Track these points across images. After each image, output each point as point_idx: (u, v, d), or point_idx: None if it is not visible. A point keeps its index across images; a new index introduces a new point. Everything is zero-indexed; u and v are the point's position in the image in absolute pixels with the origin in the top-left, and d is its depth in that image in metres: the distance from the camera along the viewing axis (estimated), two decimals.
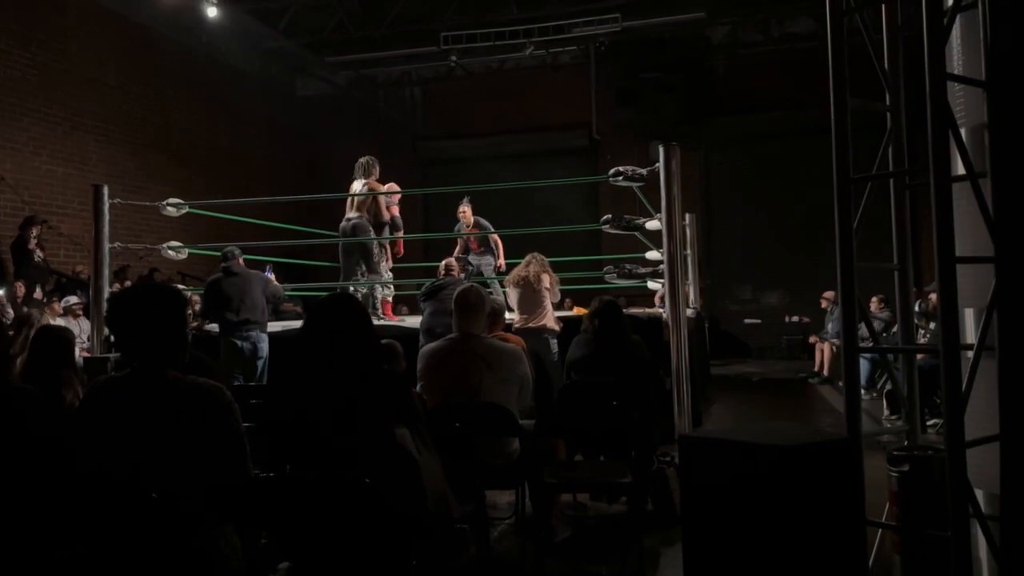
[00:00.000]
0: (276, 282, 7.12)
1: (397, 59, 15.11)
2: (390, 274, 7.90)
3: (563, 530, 4.27)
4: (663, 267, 5.67)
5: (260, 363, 6.44)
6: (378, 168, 7.64)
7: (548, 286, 6.28)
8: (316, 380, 2.41)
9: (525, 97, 15.76)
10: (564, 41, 13.65)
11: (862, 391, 7.76)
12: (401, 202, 8.24)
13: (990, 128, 2.68)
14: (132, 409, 2.19)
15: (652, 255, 6.86)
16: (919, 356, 4.07)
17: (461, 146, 16.21)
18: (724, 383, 10.94)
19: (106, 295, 6.43)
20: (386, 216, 7.65)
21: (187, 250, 7.69)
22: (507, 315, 5.98)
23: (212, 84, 13.30)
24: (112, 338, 2.50)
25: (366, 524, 2.09)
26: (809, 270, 12.89)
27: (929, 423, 6.37)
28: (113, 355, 5.35)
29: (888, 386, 7.36)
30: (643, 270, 6.86)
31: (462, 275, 7.09)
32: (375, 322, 4.11)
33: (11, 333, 5.35)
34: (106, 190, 6.74)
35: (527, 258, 6.43)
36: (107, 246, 6.62)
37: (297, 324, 6.64)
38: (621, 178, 6.25)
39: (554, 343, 6.20)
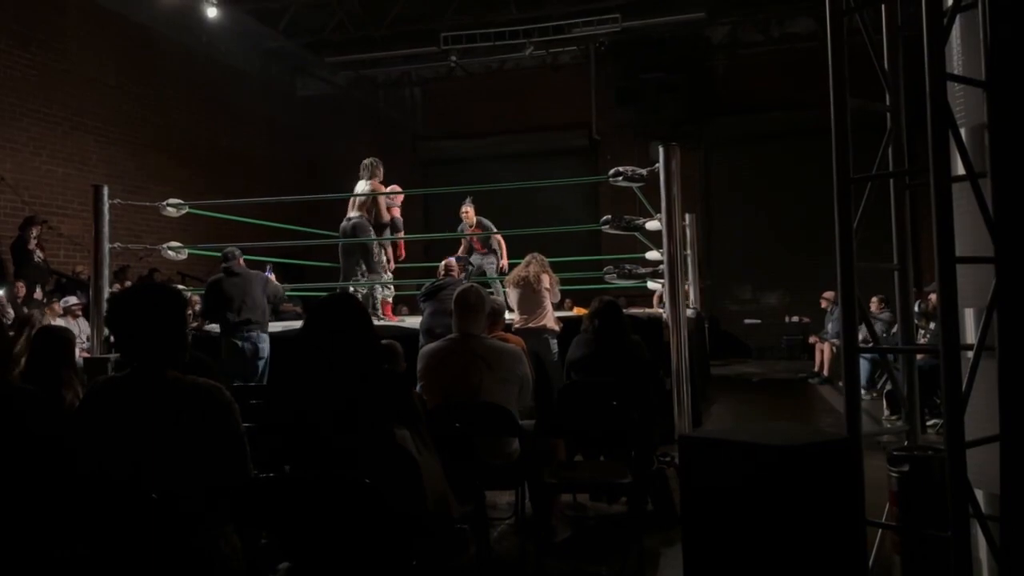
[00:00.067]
0: (276, 282, 7.12)
1: (397, 59, 15.11)
2: (390, 275, 7.90)
3: (563, 530, 4.27)
4: (663, 267, 5.67)
5: (261, 363, 6.44)
6: (382, 169, 7.65)
7: (548, 286, 6.28)
8: (316, 380, 2.41)
9: (525, 97, 15.76)
10: (564, 41, 13.65)
11: (862, 391, 7.76)
12: (401, 202, 8.23)
13: (990, 128, 2.68)
14: (132, 409, 2.19)
15: (652, 255, 6.86)
16: (919, 356, 4.07)
17: (461, 146, 16.22)
18: (724, 383, 10.94)
19: (106, 295, 6.43)
20: (386, 217, 7.65)
21: (187, 250, 7.69)
22: (507, 315, 5.98)
23: (212, 84, 13.30)
24: (112, 338, 2.50)
25: (366, 524, 2.09)
26: (809, 270, 12.89)
27: (929, 423, 6.37)
28: (113, 355, 5.35)
29: (888, 386, 7.37)
30: (643, 270, 6.86)
31: (462, 275, 7.09)
32: (375, 322, 4.11)
33: (12, 334, 5.35)
34: (106, 190, 6.75)
35: (527, 258, 6.43)
36: (107, 246, 6.63)
37: (297, 324, 6.64)
38: (621, 178, 6.25)
39: (554, 343, 6.20)
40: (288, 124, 15.13)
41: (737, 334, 15.06)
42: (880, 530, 3.12)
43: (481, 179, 10.73)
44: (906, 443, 3.34)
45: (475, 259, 8.72)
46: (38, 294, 8.61)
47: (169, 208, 7.41)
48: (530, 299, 6.24)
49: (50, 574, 2.16)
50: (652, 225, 6.23)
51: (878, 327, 7.45)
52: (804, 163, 12.99)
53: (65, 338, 3.87)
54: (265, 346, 6.47)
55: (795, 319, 14.27)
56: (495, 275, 8.42)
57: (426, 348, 3.92)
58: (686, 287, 7.02)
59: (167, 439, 2.14)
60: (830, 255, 3.05)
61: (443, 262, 7.03)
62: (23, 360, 3.86)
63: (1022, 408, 2.53)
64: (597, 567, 3.95)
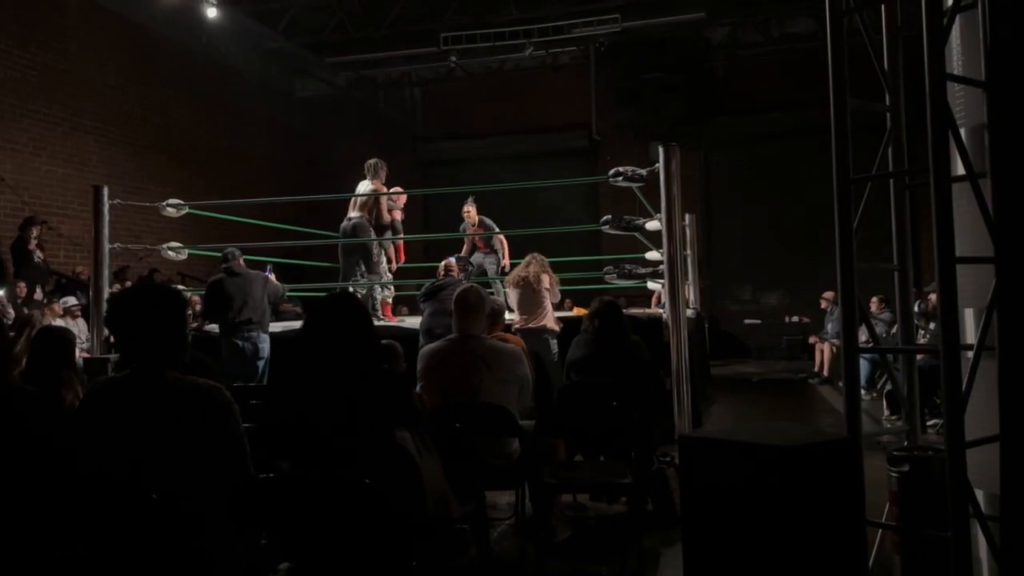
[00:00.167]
0: (276, 281, 7.12)
1: (397, 60, 15.11)
2: (389, 275, 7.90)
3: (563, 530, 4.27)
4: (663, 267, 5.67)
5: (261, 363, 6.44)
6: (386, 171, 7.65)
7: (548, 286, 6.28)
8: (316, 380, 2.41)
9: (525, 98, 15.77)
10: (564, 41, 13.64)
11: (862, 391, 7.76)
12: (404, 204, 8.22)
13: (990, 128, 2.68)
14: (132, 409, 2.19)
15: (652, 255, 6.86)
16: (919, 356, 4.07)
17: (461, 147, 16.22)
18: (724, 383, 10.94)
19: (106, 296, 6.43)
20: (387, 219, 7.65)
21: (187, 251, 7.69)
22: (507, 315, 5.98)
23: (212, 85, 13.29)
24: (112, 339, 2.50)
25: (366, 524, 2.09)
26: (809, 270, 12.89)
27: (929, 423, 6.37)
28: (113, 356, 5.35)
29: (888, 386, 7.36)
30: (643, 270, 6.86)
31: (462, 275, 7.09)
32: (375, 323, 4.11)
33: (12, 334, 5.34)
34: (106, 191, 6.75)
35: (527, 258, 6.43)
36: (107, 247, 6.63)
37: (297, 324, 6.64)
38: (621, 178, 6.25)
39: (554, 343, 6.20)
40: (288, 124, 15.13)
41: (737, 334, 15.06)
42: (880, 530, 3.12)
43: (481, 179, 10.73)
44: (906, 443, 3.34)
45: (476, 258, 8.71)
46: (38, 294, 8.61)
47: (169, 208, 7.41)
48: (530, 299, 6.25)
49: (50, 574, 2.16)
50: (652, 225, 6.23)
51: (878, 327, 7.45)
52: (804, 163, 13.00)
53: (65, 338, 3.87)
54: (265, 346, 6.47)
55: (795, 319, 14.27)
56: (496, 274, 8.42)
57: (426, 348, 3.91)
58: (686, 287, 7.02)
59: (167, 439, 2.14)
60: (830, 255, 3.05)
61: (443, 262, 7.03)
62: (23, 360, 3.87)
63: (1022, 408, 2.53)
64: (597, 567, 3.95)
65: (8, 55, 9.90)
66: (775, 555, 2.59)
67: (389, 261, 7.93)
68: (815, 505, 2.63)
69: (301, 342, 2.49)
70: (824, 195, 3.31)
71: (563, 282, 6.68)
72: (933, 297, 7.15)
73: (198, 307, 7.95)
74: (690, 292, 9.02)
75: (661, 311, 6.64)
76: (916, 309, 6.88)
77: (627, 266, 6.89)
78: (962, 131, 2.79)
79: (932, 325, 7.62)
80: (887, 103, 3.42)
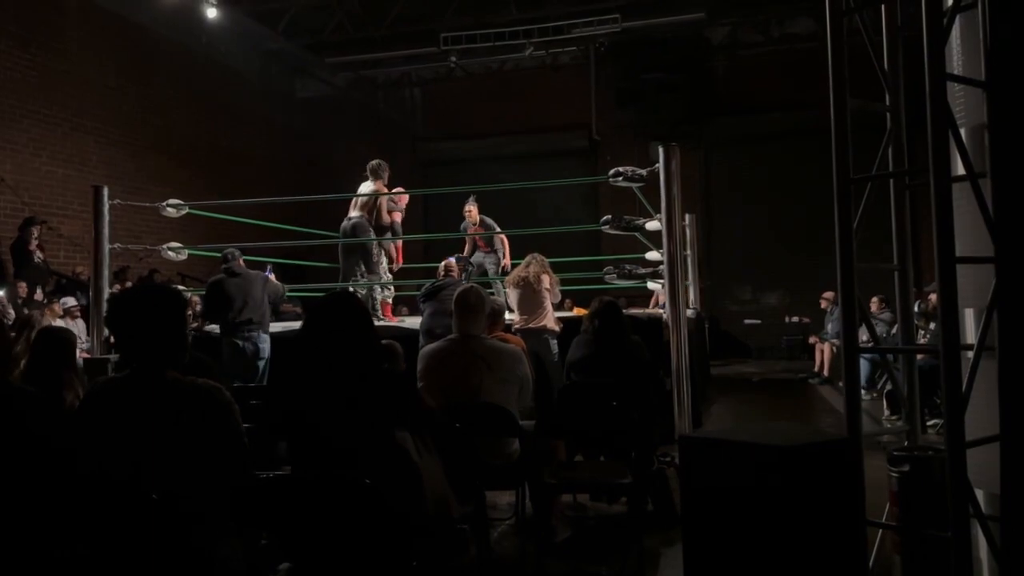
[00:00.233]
0: (275, 281, 7.12)
1: (397, 60, 15.10)
2: (389, 275, 7.90)
3: (563, 530, 4.27)
4: (663, 267, 5.67)
5: (261, 364, 6.44)
6: (388, 173, 7.64)
7: (548, 287, 6.28)
8: (316, 380, 2.41)
9: (525, 98, 15.76)
10: (564, 42, 13.64)
11: (862, 391, 7.76)
12: (406, 204, 8.20)
13: (990, 128, 2.68)
14: (132, 410, 2.19)
15: (652, 255, 6.87)
16: (919, 356, 4.06)
17: (461, 147, 16.22)
18: (724, 383, 10.94)
19: (106, 296, 6.43)
20: (386, 220, 7.65)
21: (187, 251, 7.69)
22: (507, 316, 5.98)
23: (212, 85, 13.29)
24: (112, 339, 2.50)
25: (366, 524, 2.09)
26: (809, 270, 12.89)
27: (929, 423, 6.37)
28: (113, 356, 5.35)
29: (888, 386, 7.36)
30: (643, 271, 6.87)
31: (462, 276, 7.09)
32: (375, 323, 4.10)
33: (13, 335, 5.34)
34: (106, 191, 6.75)
35: (527, 259, 6.43)
36: (107, 247, 6.63)
37: (297, 324, 6.64)
38: (621, 179, 6.25)
39: (554, 344, 6.20)
40: (288, 125, 15.14)
41: (737, 334, 15.06)
42: (880, 530, 3.11)
43: (481, 180, 10.73)
44: (906, 443, 3.34)
45: (477, 257, 8.71)
46: (38, 295, 8.61)
47: (169, 209, 7.41)
48: (530, 299, 6.25)
49: (50, 574, 2.16)
50: (652, 225, 6.23)
51: (879, 327, 7.45)
52: (804, 163, 13.00)
53: (66, 339, 3.87)
54: (266, 346, 6.47)
55: (795, 319, 14.27)
56: (496, 274, 8.42)
57: (426, 349, 3.91)
58: (686, 287, 7.02)
59: (167, 439, 2.14)
60: (830, 255, 3.05)
61: (443, 263, 7.03)
62: (23, 362, 3.86)
63: (1022, 408, 2.53)
64: (597, 567, 3.95)
65: (8, 55, 9.91)
66: (775, 555, 2.59)
67: (390, 261, 7.93)
68: (815, 505, 2.62)
69: (301, 342, 2.49)
70: (824, 195, 3.31)
71: (563, 282, 6.67)
72: (933, 297, 7.15)
73: (198, 307, 7.94)
74: (690, 292, 9.02)
75: (661, 311, 6.64)
76: (916, 309, 6.88)
77: (627, 266, 6.89)
78: (962, 131, 2.79)
79: (932, 325, 7.61)
80: (887, 103, 3.42)
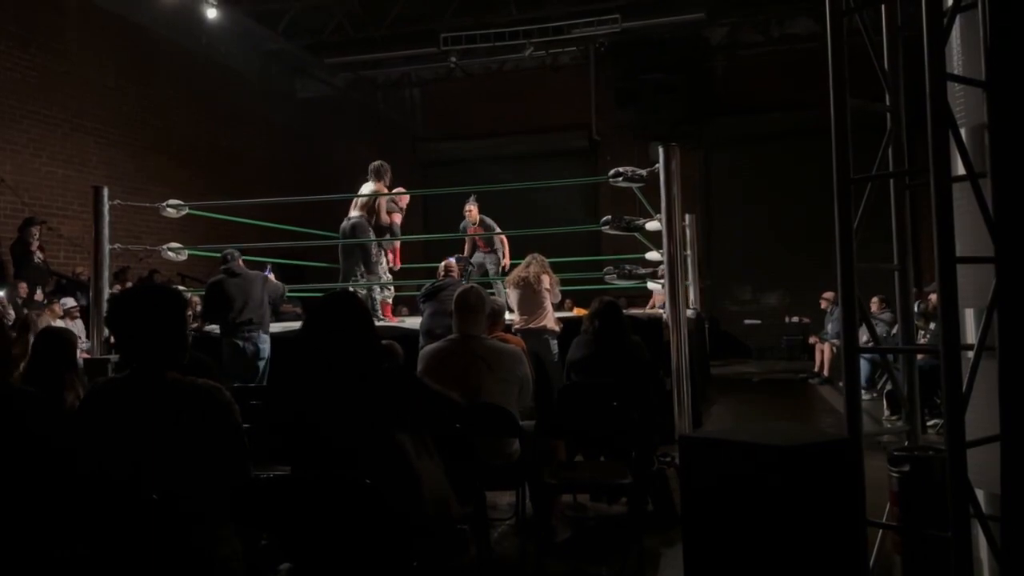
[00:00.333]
0: (275, 280, 7.11)
1: (397, 60, 15.10)
2: (389, 275, 7.90)
3: (563, 531, 4.27)
4: (663, 268, 5.67)
5: (261, 364, 6.44)
6: (389, 174, 7.63)
7: (548, 287, 6.28)
8: (316, 380, 2.40)
9: (525, 98, 15.76)
10: (564, 42, 13.65)
11: (862, 391, 7.76)
12: (407, 204, 8.19)
13: (990, 128, 2.68)
14: (132, 410, 2.19)
15: (652, 256, 6.87)
16: (919, 356, 4.06)
17: (461, 147, 16.22)
18: (724, 383, 10.93)
19: (106, 296, 6.43)
20: (385, 221, 7.64)
21: (187, 251, 7.69)
22: (507, 316, 5.98)
23: (212, 85, 13.30)
24: (112, 339, 2.50)
25: (366, 524, 2.09)
26: (809, 270, 12.89)
27: (929, 423, 6.37)
28: (113, 356, 5.35)
29: (888, 386, 7.36)
30: (643, 271, 6.87)
31: (462, 276, 7.09)
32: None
33: (14, 335, 5.35)
34: (106, 191, 6.75)
35: (527, 259, 6.43)
36: (107, 247, 6.63)
37: (297, 324, 6.64)
38: (621, 179, 6.25)
39: (554, 344, 6.20)
40: (288, 125, 15.14)
41: (737, 334, 15.06)
42: (881, 530, 3.11)
43: (481, 180, 10.73)
44: (906, 443, 3.34)
45: (477, 257, 8.72)
46: (38, 295, 8.61)
47: (169, 209, 7.42)
48: (530, 300, 6.25)
49: (50, 574, 2.16)
50: (652, 225, 6.23)
51: (879, 328, 7.45)
52: (804, 163, 12.99)
53: (67, 340, 3.87)
54: (266, 347, 6.47)
55: (795, 319, 14.26)
56: (496, 274, 8.42)
57: (426, 349, 3.92)
58: (686, 287, 7.02)
59: (167, 440, 2.14)
60: (830, 255, 3.05)
61: (443, 263, 7.03)
62: (22, 364, 3.86)
63: (1022, 408, 2.52)
64: (597, 567, 3.95)
65: (8, 56, 9.91)
66: (775, 555, 2.59)
67: (391, 261, 7.93)
68: (815, 505, 2.62)
69: (301, 342, 2.49)
70: (824, 195, 3.31)
71: (563, 282, 6.68)
72: (933, 297, 7.14)
73: (198, 308, 7.94)
74: (690, 292, 9.02)
75: (661, 311, 6.63)
76: (916, 309, 6.87)
77: (627, 266, 6.89)
78: (962, 131, 2.79)
79: (932, 325, 7.61)
80: (887, 103, 3.42)
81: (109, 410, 2.22)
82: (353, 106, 15.97)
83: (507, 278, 6.68)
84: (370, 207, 7.54)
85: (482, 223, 8.59)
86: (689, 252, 8.98)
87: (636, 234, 6.63)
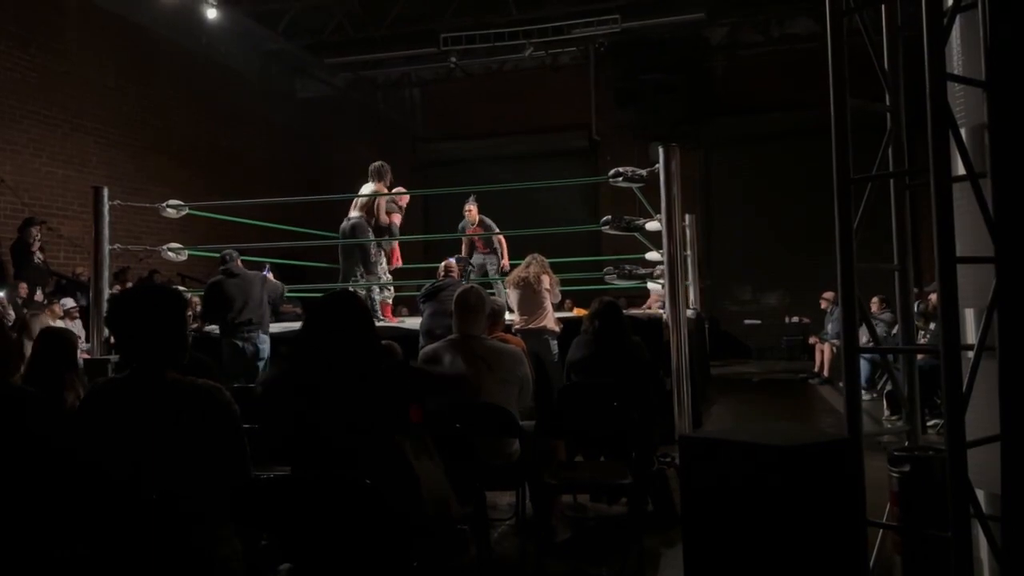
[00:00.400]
0: (274, 280, 7.11)
1: (397, 60, 15.10)
2: (389, 276, 7.90)
3: (563, 531, 4.27)
4: (663, 268, 5.67)
5: (261, 364, 6.44)
6: (390, 175, 7.62)
7: (548, 287, 6.28)
8: (316, 380, 2.40)
9: (525, 98, 15.76)
10: (563, 42, 13.64)
11: (862, 391, 7.76)
12: (406, 204, 8.19)
13: (990, 128, 2.68)
14: (132, 410, 2.19)
15: (652, 256, 6.86)
16: (919, 356, 4.06)
17: (461, 147, 16.21)
18: (724, 384, 10.93)
19: (106, 297, 6.43)
20: (385, 221, 7.64)
21: (187, 252, 7.69)
22: (507, 316, 5.98)
23: (212, 85, 13.30)
24: (112, 339, 2.50)
25: (367, 524, 2.09)
26: (809, 270, 12.88)
27: (930, 423, 6.37)
28: (113, 357, 5.35)
29: (888, 386, 7.36)
30: (643, 271, 6.86)
31: (462, 277, 7.09)
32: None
33: (15, 336, 5.34)
34: (106, 192, 6.75)
35: (527, 259, 6.43)
36: (107, 248, 6.63)
37: (297, 325, 6.63)
38: (621, 179, 6.25)
39: (554, 344, 6.20)
40: (288, 125, 15.14)
41: (737, 334, 15.05)
42: (881, 530, 3.11)
43: (481, 180, 10.72)
44: (907, 443, 3.34)
45: (476, 259, 8.72)
46: (39, 296, 8.61)
47: (169, 209, 7.41)
48: (530, 300, 6.24)
49: (50, 574, 2.16)
50: (652, 226, 6.23)
51: (879, 328, 7.45)
52: (804, 163, 12.98)
53: (67, 340, 3.86)
54: (266, 347, 6.47)
55: (795, 319, 14.26)
56: (496, 275, 8.42)
57: (426, 349, 3.92)
58: (686, 287, 7.02)
59: (167, 440, 2.14)
60: (830, 255, 3.05)
61: (443, 263, 7.03)
62: (20, 364, 3.85)
63: (1022, 408, 2.52)
64: (597, 568, 3.95)
65: (8, 56, 9.90)
66: (776, 555, 2.59)
67: (389, 262, 7.92)
68: (815, 505, 2.62)
69: (301, 342, 2.49)
70: (824, 195, 3.31)
71: (563, 283, 6.67)
72: (933, 297, 7.14)
73: (198, 308, 7.94)
74: (690, 292, 9.02)
75: (661, 312, 6.63)
76: (916, 309, 6.87)
77: (627, 267, 6.89)
78: (962, 131, 2.79)
79: (932, 325, 7.61)
80: (887, 103, 3.42)
81: (109, 410, 2.21)
82: (353, 106, 15.97)
83: (507, 278, 6.68)
84: (370, 207, 7.54)
85: (481, 223, 8.59)
86: (689, 252, 8.98)
87: (636, 234, 6.63)
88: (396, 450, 2.33)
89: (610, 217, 6.49)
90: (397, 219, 7.82)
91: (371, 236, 7.49)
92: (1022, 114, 2.62)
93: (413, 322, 7.32)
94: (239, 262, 6.68)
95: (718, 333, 13.97)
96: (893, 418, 7.11)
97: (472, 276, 8.15)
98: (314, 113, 15.71)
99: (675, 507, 4.07)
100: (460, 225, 8.68)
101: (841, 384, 3.29)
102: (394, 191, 7.81)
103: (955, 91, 2.92)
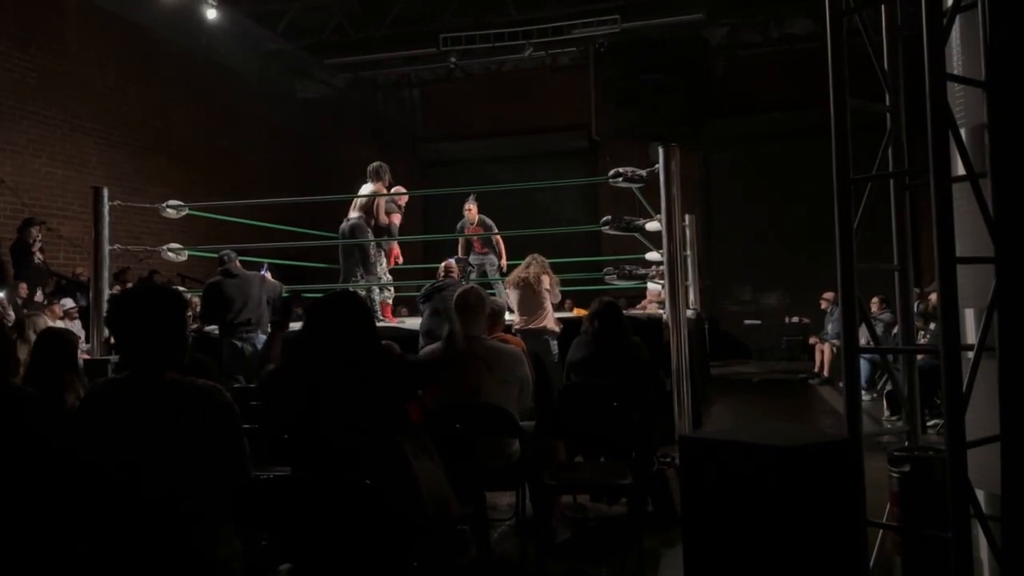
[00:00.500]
0: (272, 279, 7.11)
1: (396, 61, 15.11)
2: (389, 276, 7.89)
3: (563, 531, 4.27)
4: (663, 268, 5.67)
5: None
6: (388, 176, 7.62)
7: (548, 287, 6.28)
8: (316, 380, 2.40)
9: (524, 99, 15.75)
10: (563, 42, 13.66)
11: (862, 392, 7.76)
12: (406, 204, 8.19)
13: (990, 128, 2.68)
14: (132, 410, 2.19)
15: (652, 256, 6.86)
16: (919, 356, 4.06)
17: (460, 148, 16.20)
18: (724, 384, 10.93)
19: (106, 297, 6.43)
20: (384, 221, 7.64)
21: (187, 252, 7.69)
22: (507, 316, 5.98)
23: (211, 86, 13.30)
24: (112, 340, 2.50)
25: (367, 525, 2.09)
26: (809, 270, 12.88)
27: (929, 423, 6.37)
28: (113, 357, 5.35)
29: (888, 387, 7.36)
30: (643, 271, 6.86)
31: (461, 277, 7.09)
32: None
33: (15, 336, 5.34)
34: (106, 192, 6.75)
35: (527, 259, 6.43)
36: (107, 248, 6.63)
37: (297, 325, 6.62)
38: (621, 179, 6.25)
39: (554, 344, 6.20)
40: (288, 125, 15.14)
41: (737, 335, 15.04)
42: (881, 530, 3.11)
43: (481, 180, 10.73)
44: (907, 443, 3.33)
45: (475, 259, 8.72)
46: (38, 296, 8.61)
47: (169, 210, 7.42)
48: (530, 300, 6.24)
49: (50, 574, 2.16)
50: (652, 226, 6.23)
51: (879, 328, 7.45)
52: (804, 163, 12.98)
53: (68, 340, 3.86)
54: (265, 347, 6.45)
55: (795, 320, 14.26)
56: (495, 275, 8.42)
57: (426, 350, 3.91)
58: (686, 288, 7.02)
59: (167, 440, 2.14)
60: (830, 255, 3.05)
61: (443, 263, 7.03)
62: (24, 363, 3.85)
63: (1022, 408, 2.52)
64: (597, 568, 3.95)
65: (8, 56, 9.90)
66: (776, 556, 2.58)
67: (392, 261, 7.92)
68: (815, 506, 2.62)
69: (301, 342, 2.49)
70: (824, 195, 3.30)
71: (563, 283, 6.68)
72: (933, 297, 7.14)
73: (198, 308, 7.94)
74: (690, 292, 9.02)
75: (661, 312, 6.63)
76: (916, 309, 6.87)
77: (627, 267, 6.90)
78: (962, 131, 2.78)
79: (932, 325, 7.61)
80: (887, 103, 3.42)
81: (109, 410, 2.21)
82: (353, 106, 15.97)
83: (507, 279, 6.68)
84: (369, 208, 7.54)
85: (481, 223, 8.59)
86: (689, 252, 8.98)
87: (636, 234, 6.63)
88: (396, 450, 2.33)
89: (610, 217, 6.49)
90: (397, 219, 7.82)
91: (370, 237, 7.49)
92: (1022, 114, 2.62)
93: (413, 322, 7.32)
94: (237, 262, 6.68)
95: (718, 333, 13.97)
96: (893, 418, 7.11)
97: (472, 276, 8.14)
98: (314, 113, 15.71)
99: (675, 507, 4.07)
100: (459, 224, 8.68)
101: (841, 384, 3.29)
102: (393, 191, 7.81)
103: (955, 91, 2.92)
